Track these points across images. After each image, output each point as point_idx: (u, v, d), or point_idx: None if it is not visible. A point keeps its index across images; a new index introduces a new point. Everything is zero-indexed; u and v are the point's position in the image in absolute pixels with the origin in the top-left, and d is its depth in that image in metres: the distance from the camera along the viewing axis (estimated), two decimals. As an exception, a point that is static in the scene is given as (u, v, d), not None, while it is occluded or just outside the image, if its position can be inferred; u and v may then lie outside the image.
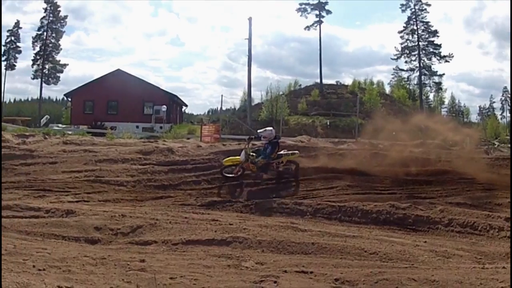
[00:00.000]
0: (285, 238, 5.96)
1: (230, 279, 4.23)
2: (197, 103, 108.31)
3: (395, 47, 45.65)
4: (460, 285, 4.15)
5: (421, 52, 44.87)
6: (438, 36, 44.50)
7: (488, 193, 8.93)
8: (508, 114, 49.77)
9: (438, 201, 8.57)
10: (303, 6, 44.77)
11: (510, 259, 5.27)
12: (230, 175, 10.17)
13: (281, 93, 39.19)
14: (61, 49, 45.03)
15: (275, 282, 4.12)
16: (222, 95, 49.33)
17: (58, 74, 44.92)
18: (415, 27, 44.85)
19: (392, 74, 47.17)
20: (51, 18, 43.89)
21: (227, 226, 6.57)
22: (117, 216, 6.87)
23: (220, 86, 75.27)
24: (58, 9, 44.10)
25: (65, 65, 45.45)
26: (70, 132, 23.76)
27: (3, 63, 42.34)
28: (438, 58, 44.82)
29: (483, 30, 67.35)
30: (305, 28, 45.63)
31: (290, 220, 7.35)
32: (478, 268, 4.87)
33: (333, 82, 47.45)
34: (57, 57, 44.72)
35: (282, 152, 10.31)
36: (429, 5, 44.41)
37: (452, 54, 44.76)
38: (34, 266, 4.02)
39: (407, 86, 46.27)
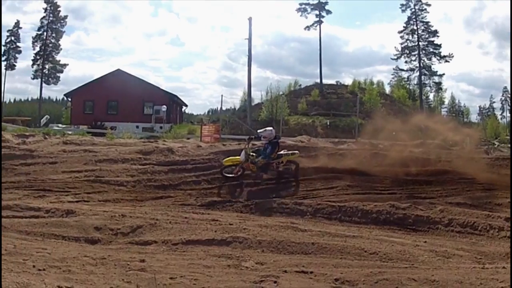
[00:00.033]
0: (285, 238, 5.96)
1: (230, 279, 4.23)
2: (197, 103, 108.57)
3: (395, 47, 45.82)
4: (460, 285, 4.15)
5: (421, 52, 44.88)
6: (438, 36, 44.64)
7: (488, 193, 8.93)
8: (508, 114, 49.89)
9: (438, 201, 8.57)
10: (303, 6, 44.88)
11: (510, 259, 5.27)
12: (230, 175, 10.17)
13: (281, 93, 39.19)
14: (61, 49, 45.23)
15: (275, 282, 4.12)
16: (222, 95, 49.52)
17: (58, 74, 45.04)
18: (415, 27, 44.86)
19: (392, 74, 47.33)
20: (51, 18, 43.95)
21: (227, 226, 6.58)
22: (117, 216, 6.87)
23: (220, 86, 75.47)
24: (58, 9, 44.24)
25: (65, 65, 45.63)
26: (70, 132, 23.75)
27: (3, 63, 42.52)
28: (438, 58, 44.85)
29: (483, 30, 67.46)
30: (305, 28, 45.77)
31: (290, 220, 7.35)
32: (478, 268, 4.88)
33: (333, 82, 47.59)
34: (57, 57, 44.91)
35: (282, 152, 10.31)
36: (429, 5, 44.53)
37: (452, 54, 44.92)
38: (34, 266, 4.02)
39: (407, 86, 46.29)
